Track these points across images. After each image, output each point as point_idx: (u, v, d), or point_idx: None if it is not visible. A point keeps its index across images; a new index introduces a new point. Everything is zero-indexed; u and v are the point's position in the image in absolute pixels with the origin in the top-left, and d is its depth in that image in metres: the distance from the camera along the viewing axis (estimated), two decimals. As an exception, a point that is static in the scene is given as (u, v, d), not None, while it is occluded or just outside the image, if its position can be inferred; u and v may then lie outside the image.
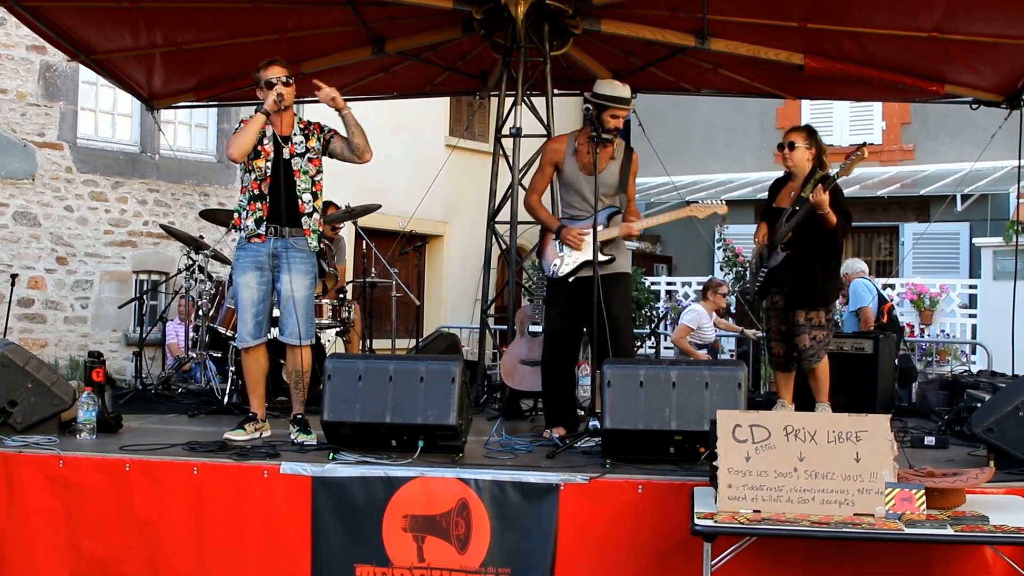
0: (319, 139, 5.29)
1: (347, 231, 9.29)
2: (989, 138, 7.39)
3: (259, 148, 5.21)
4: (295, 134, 5.25)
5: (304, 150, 5.25)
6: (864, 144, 5.57)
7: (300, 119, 5.34)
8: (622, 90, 5.40)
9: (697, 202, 5.61)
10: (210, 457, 4.67)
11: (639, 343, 10.61)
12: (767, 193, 6.04)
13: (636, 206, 5.66)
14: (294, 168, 5.23)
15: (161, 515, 4.56)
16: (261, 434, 5.23)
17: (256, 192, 5.23)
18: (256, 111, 5.17)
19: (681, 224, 6.79)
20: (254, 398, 5.38)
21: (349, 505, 4.42)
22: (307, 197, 5.25)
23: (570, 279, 5.42)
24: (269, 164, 5.21)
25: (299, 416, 5.25)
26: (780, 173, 6.00)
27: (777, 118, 15.80)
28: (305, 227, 5.25)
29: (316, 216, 5.30)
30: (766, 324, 5.87)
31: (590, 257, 5.27)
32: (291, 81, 5.22)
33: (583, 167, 5.43)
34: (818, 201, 5.41)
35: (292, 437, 5.13)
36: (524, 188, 7.33)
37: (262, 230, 5.21)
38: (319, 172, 5.33)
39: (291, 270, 5.21)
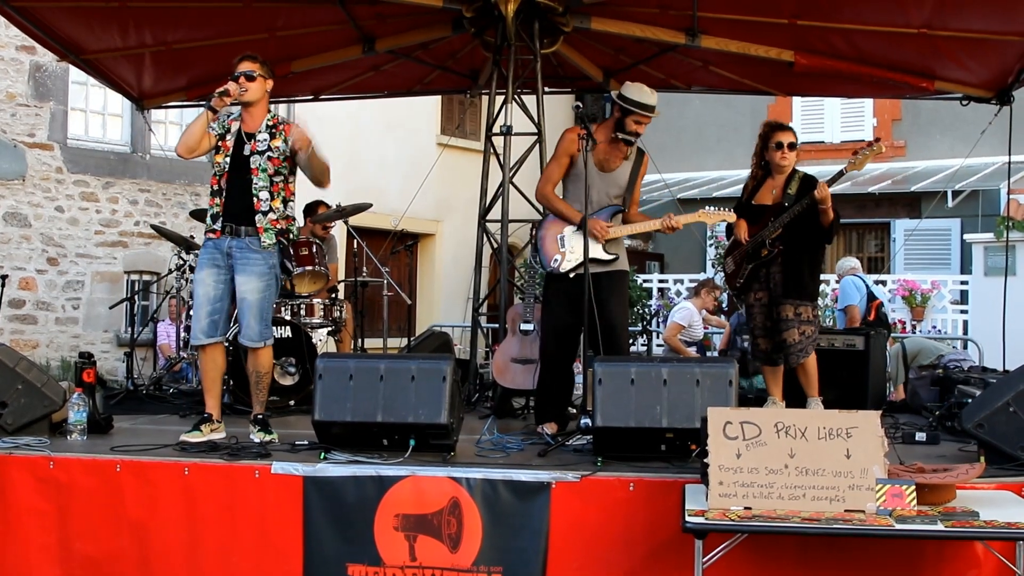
0: (286, 141, 5.14)
1: (338, 230, 9.27)
2: (979, 134, 7.41)
3: (221, 144, 5.16)
4: (260, 131, 5.15)
5: (266, 148, 5.12)
6: (878, 140, 5.62)
7: (273, 116, 5.21)
8: (650, 97, 5.36)
9: (706, 208, 5.62)
10: (201, 457, 4.66)
11: (631, 341, 10.61)
12: (741, 192, 5.98)
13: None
14: (252, 165, 5.12)
15: (152, 515, 4.55)
16: (217, 435, 5.10)
17: (215, 188, 5.19)
18: (205, 106, 5.09)
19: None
20: (210, 398, 5.26)
21: (341, 504, 4.41)
22: (264, 195, 5.11)
23: (571, 275, 5.41)
24: (228, 159, 5.14)
25: (259, 416, 5.24)
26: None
27: (768, 115, 15.76)
28: (259, 225, 5.11)
29: (272, 216, 5.14)
30: (750, 321, 5.87)
31: (598, 255, 5.34)
32: (255, 75, 5.12)
33: (599, 163, 5.43)
34: (824, 196, 5.45)
35: (252, 437, 5.11)
36: (515, 186, 7.36)
37: (217, 226, 5.15)
38: (279, 173, 5.16)
39: (243, 271, 5.13)
